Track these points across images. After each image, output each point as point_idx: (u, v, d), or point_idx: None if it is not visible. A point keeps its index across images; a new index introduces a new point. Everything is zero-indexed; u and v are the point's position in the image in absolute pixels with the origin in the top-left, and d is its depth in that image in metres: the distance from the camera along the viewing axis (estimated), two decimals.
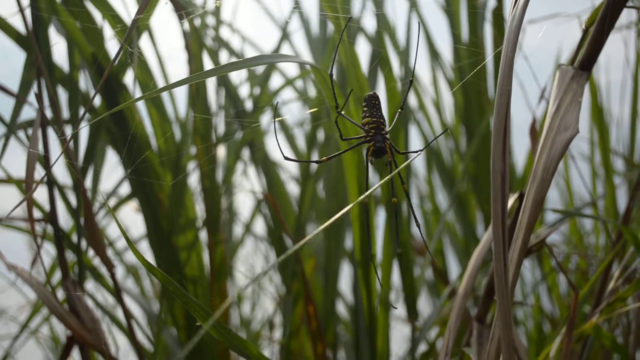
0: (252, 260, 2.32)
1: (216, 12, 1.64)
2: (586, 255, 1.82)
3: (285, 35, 1.80)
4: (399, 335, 2.06)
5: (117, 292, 1.30)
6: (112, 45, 1.44)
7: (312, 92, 1.93)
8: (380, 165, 1.22)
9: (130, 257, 2.25)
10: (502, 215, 0.56)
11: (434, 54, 1.91)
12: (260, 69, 1.75)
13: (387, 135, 0.91)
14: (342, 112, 0.90)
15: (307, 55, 1.92)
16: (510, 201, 1.06)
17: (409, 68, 1.59)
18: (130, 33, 0.85)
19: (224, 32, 1.75)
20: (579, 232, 1.92)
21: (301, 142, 2.00)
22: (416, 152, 0.93)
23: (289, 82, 1.81)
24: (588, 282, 1.21)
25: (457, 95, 1.86)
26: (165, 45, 1.54)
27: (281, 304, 2.05)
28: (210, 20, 1.69)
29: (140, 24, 1.31)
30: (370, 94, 0.92)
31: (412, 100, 1.92)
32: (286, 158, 0.92)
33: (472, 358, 0.98)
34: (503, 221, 0.56)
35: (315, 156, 1.75)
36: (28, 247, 2.18)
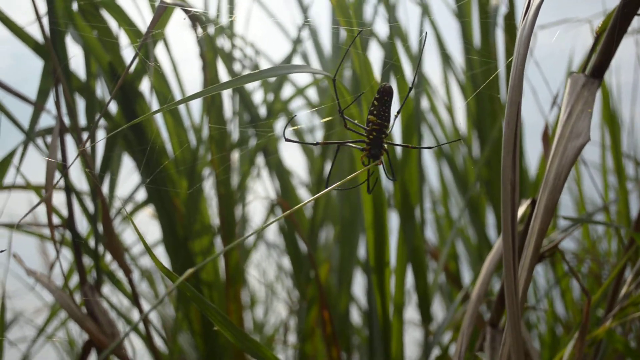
0: (264, 265, 2.34)
1: (230, 25, 1.66)
2: (598, 260, 1.82)
3: (296, 46, 1.82)
4: (411, 339, 2.07)
5: (134, 297, 1.32)
6: (128, 53, 1.46)
7: (323, 99, 1.95)
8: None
9: (144, 261, 2.28)
10: (512, 224, 0.57)
11: (446, 58, 1.92)
12: (273, 77, 1.77)
13: (386, 139, 0.90)
14: (344, 115, 0.90)
15: (316, 64, 1.94)
16: (523, 208, 1.06)
17: (421, 74, 1.60)
18: (143, 45, 0.87)
19: (237, 42, 1.76)
20: (591, 237, 1.92)
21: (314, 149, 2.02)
22: (428, 147, 0.94)
23: (300, 91, 1.83)
24: (601, 287, 1.21)
25: (470, 100, 1.86)
26: (179, 48, 1.55)
27: (294, 308, 2.07)
28: (225, 29, 1.71)
29: (155, 33, 1.32)
30: (385, 88, 0.88)
31: (424, 102, 1.92)
32: (287, 140, 0.90)
33: None
34: (513, 230, 0.57)
35: (327, 164, 1.76)
36: (39, 252, 2.21)
